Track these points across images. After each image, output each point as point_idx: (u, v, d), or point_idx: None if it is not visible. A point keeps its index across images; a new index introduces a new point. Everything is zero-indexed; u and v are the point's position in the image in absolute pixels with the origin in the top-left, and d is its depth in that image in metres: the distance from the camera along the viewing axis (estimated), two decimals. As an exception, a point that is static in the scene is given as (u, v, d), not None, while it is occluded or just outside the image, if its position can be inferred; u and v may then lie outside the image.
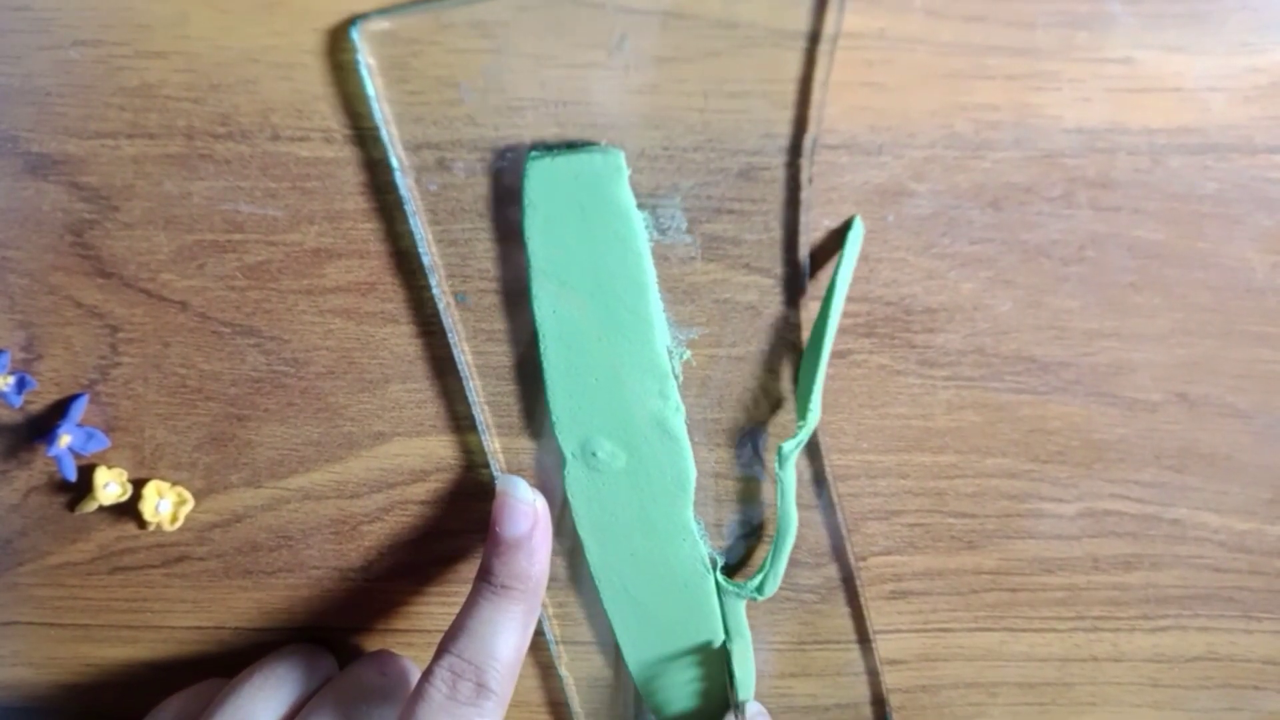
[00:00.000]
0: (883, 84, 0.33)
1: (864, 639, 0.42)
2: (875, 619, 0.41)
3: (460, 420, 0.39)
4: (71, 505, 0.40)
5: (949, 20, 0.32)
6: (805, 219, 0.35)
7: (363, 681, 0.40)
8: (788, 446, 0.36)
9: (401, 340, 0.37)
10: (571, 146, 0.34)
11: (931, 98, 0.33)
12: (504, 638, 0.36)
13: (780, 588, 0.40)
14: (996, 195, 0.35)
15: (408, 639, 0.43)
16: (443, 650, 0.35)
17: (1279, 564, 0.40)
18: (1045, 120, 0.34)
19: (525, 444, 0.39)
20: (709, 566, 0.40)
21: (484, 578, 0.37)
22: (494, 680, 0.35)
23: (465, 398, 0.38)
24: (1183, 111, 0.34)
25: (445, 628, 0.37)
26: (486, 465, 0.39)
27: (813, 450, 0.39)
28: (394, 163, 0.34)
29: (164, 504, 0.39)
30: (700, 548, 0.39)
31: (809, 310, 0.36)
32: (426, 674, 0.35)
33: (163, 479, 0.39)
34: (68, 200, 0.35)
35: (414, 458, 0.39)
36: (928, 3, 0.32)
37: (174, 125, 0.34)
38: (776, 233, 0.35)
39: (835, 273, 0.35)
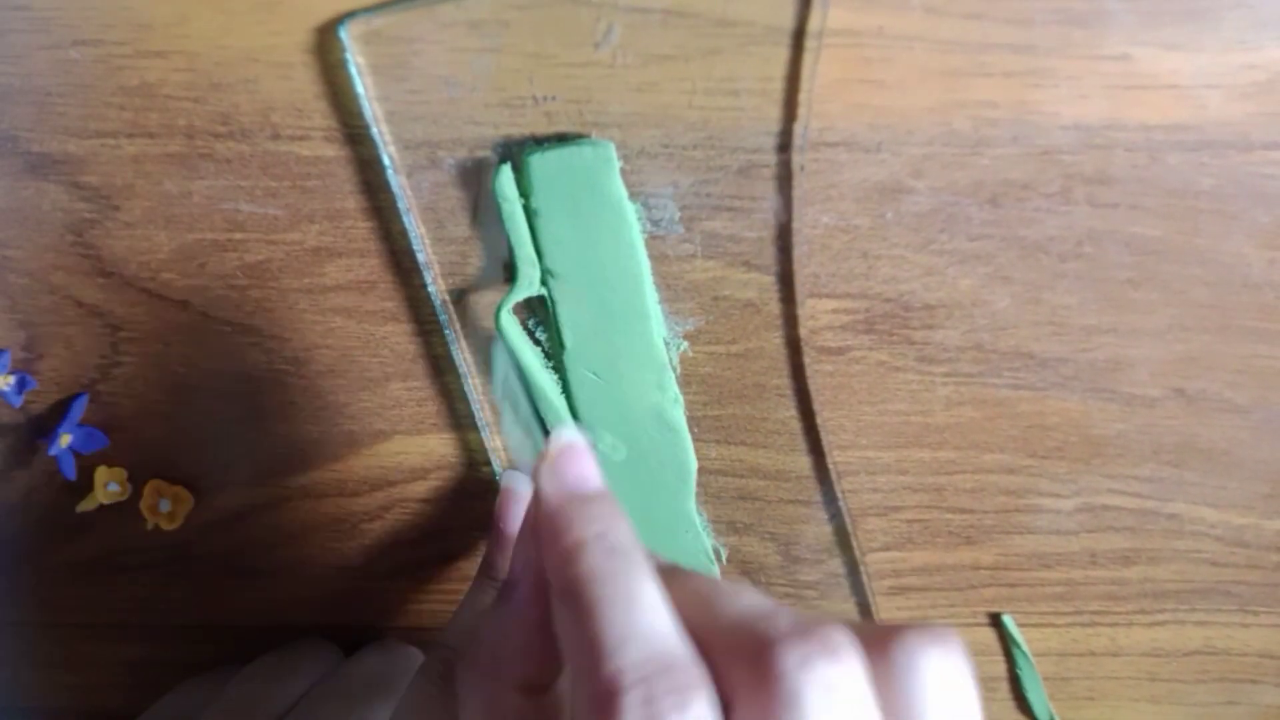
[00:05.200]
0: (882, 81, 0.33)
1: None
2: (875, 615, 0.42)
3: (460, 418, 0.39)
4: (72, 504, 0.40)
5: (947, 18, 0.32)
6: (802, 214, 0.35)
7: (368, 669, 0.40)
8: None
9: (402, 338, 0.37)
10: (562, 139, 0.34)
11: (930, 95, 0.34)
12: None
13: (780, 584, 0.40)
14: (995, 192, 0.35)
15: (408, 636, 0.43)
16: (438, 642, 0.35)
17: (1276, 558, 0.40)
18: (1043, 117, 0.34)
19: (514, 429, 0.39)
20: (712, 558, 0.40)
21: (485, 572, 0.36)
22: None
23: (465, 395, 0.38)
24: (1179, 108, 0.34)
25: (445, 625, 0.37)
26: (487, 463, 0.39)
27: (814, 446, 0.39)
28: (385, 160, 0.34)
29: (164, 503, 0.39)
30: (703, 539, 0.39)
31: (807, 307, 0.37)
32: (421, 665, 0.35)
33: (163, 478, 0.39)
34: (68, 200, 0.35)
35: (414, 456, 0.39)
36: (926, 0, 0.32)
37: (174, 124, 0.34)
38: (775, 230, 0.36)
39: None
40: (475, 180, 0.35)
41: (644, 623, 0.24)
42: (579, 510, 0.27)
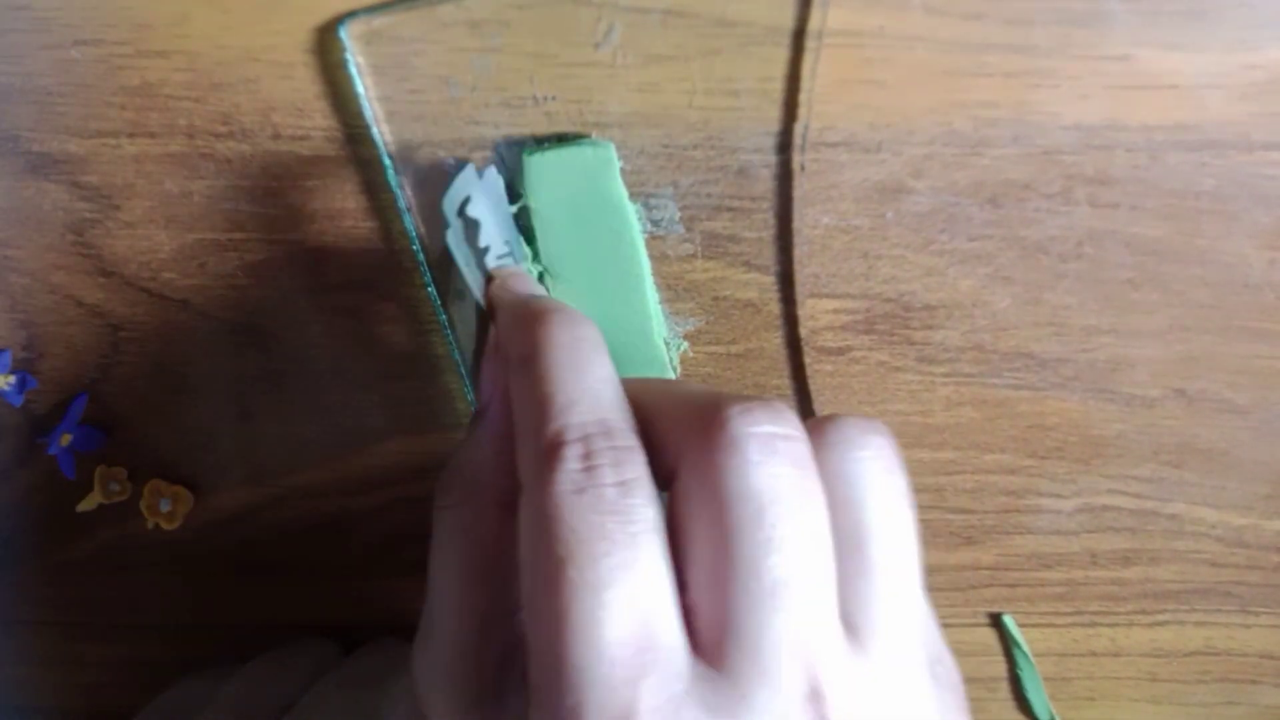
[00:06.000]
0: (882, 81, 0.33)
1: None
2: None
3: (460, 418, 0.39)
4: (73, 504, 0.40)
5: (948, 18, 0.32)
6: (802, 215, 0.35)
7: (368, 668, 0.40)
8: None
9: (401, 338, 0.37)
10: (562, 139, 0.34)
11: (930, 95, 0.34)
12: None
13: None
14: (995, 192, 0.35)
15: (409, 636, 0.43)
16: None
17: (1276, 559, 0.40)
18: (1043, 117, 0.34)
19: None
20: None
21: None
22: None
23: (465, 395, 0.38)
24: (1180, 108, 0.34)
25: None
26: (487, 463, 0.39)
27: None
28: (386, 160, 0.34)
29: (164, 502, 0.39)
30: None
31: (808, 307, 0.37)
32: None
33: (163, 477, 0.39)
34: (69, 199, 0.35)
35: (414, 455, 0.39)
36: (927, 0, 0.32)
37: (175, 124, 0.34)
38: (775, 230, 0.36)
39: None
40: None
41: (593, 390, 0.25)
42: (538, 299, 0.28)
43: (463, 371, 0.37)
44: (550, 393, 0.25)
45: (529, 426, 0.25)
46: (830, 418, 0.26)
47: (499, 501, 0.28)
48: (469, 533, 0.28)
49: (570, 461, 0.23)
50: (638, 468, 0.24)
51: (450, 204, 0.32)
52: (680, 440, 0.24)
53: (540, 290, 0.31)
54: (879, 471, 0.25)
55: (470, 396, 0.37)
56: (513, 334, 0.28)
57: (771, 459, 0.23)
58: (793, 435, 0.24)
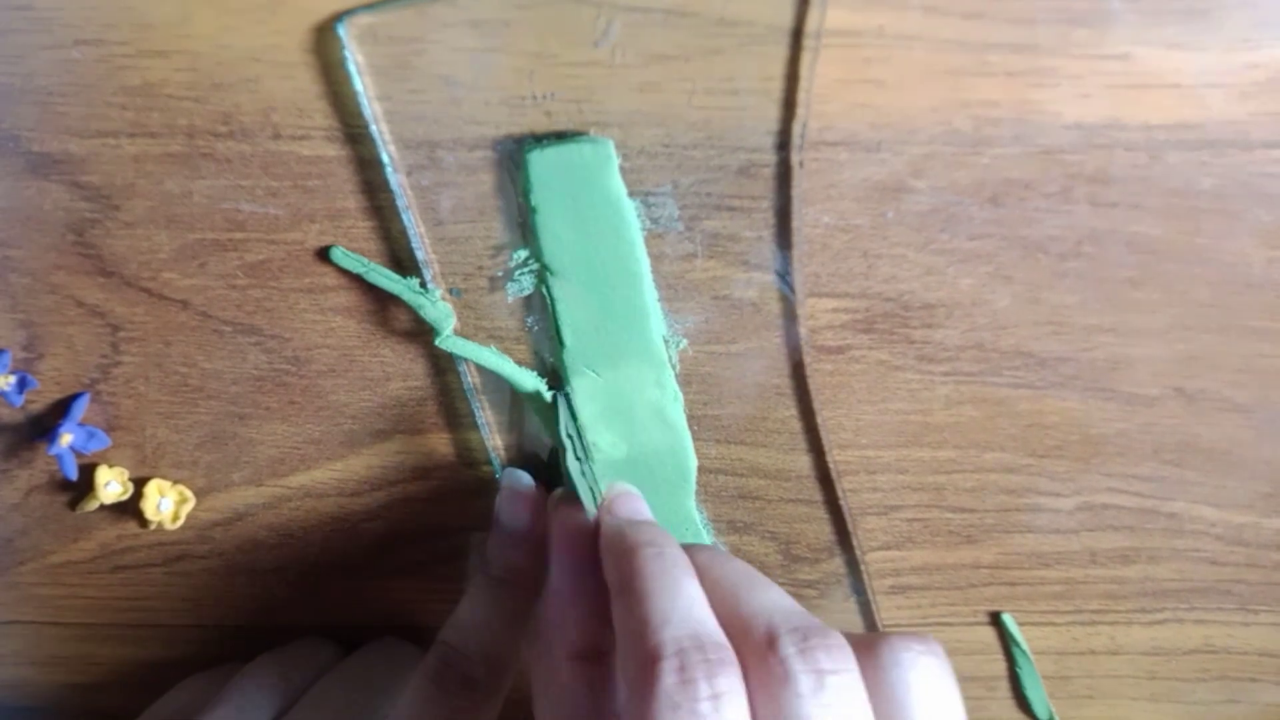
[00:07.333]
0: (882, 81, 0.33)
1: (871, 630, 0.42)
2: (875, 614, 0.42)
3: (460, 418, 0.39)
4: (73, 504, 0.40)
5: (948, 17, 0.32)
6: (802, 214, 0.35)
7: (368, 667, 0.40)
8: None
9: (402, 338, 0.37)
10: (561, 137, 0.34)
11: (931, 94, 0.34)
12: (497, 629, 0.36)
13: (780, 584, 0.40)
14: (995, 191, 0.35)
15: (408, 636, 0.43)
16: (438, 639, 0.36)
17: (1276, 557, 0.41)
18: (1044, 116, 0.34)
19: (526, 438, 0.39)
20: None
21: (483, 569, 0.37)
22: (482, 671, 0.35)
23: (465, 395, 0.38)
24: (1181, 107, 0.34)
25: (447, 624, 0.37)
26: (487, 462, 0.39)
27: (814, 446, 0.39)
28: (384, 159, 0.34)
29: (165, 503, 0.39)
30: (703, 537, 0.39)
31: (807, 306, 0.37)
32: (420, 664, 0.35)
33: (164, 478, 0.39)
34: (69, 199, 0.35)
35: (415, 455, 0.39)
36: (926, 0, 0.32)
37: (175, 124, 0.34)
38: (775, 229, 0.36)
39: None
40: (474, 179, 0.35)
41: (683, 608, 0.28)
42: (633, 528, 0.32)
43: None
44: (645, 613, 0.28)
45: (629, 644, 0.28)
46: (883, 637, 0.28)
47: (570, 654, 0.32)
48: (549, 679, 0.32)
49: (667, 676, 0.26)
50: (731, 678, 0.26)
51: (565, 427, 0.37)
52: (746, 659, 0.27)
53: (643, 512, 0.35)
54: (930, 692, 0.28)
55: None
56: (610, 560, 0.31)
57: (821, 693, 0.26)
58: (841, 669, 0.27)
